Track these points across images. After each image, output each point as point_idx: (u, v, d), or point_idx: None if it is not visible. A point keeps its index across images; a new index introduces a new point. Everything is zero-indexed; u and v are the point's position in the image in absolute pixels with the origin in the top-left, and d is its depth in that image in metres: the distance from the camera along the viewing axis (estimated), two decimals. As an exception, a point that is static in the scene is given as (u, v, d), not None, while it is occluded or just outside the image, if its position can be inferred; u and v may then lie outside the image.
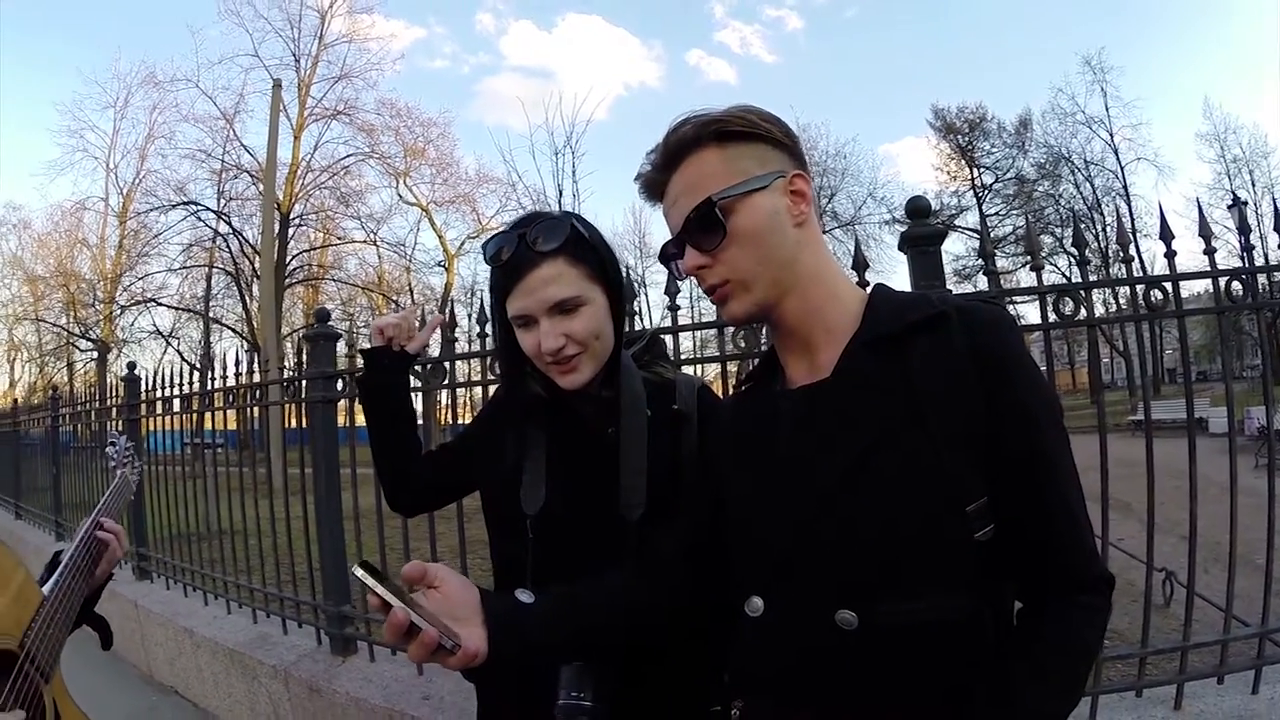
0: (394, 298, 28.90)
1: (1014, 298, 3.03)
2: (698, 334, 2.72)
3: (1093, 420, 2.30)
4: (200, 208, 28.95)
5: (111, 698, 4.35)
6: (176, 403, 4.40)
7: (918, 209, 2.29)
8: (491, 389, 2.66)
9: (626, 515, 1.26)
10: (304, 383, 3.40)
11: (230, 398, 3.94)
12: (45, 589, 1.19)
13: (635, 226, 34.95)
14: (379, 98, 30.68)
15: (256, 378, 3.75)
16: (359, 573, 0.89)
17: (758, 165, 0.99)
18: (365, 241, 31.04)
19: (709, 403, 1.38)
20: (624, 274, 1.36)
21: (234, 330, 29.29)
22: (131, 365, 5.24)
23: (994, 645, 0.90)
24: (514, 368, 1.36)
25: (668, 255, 1.09)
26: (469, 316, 2.80)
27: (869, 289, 1.06)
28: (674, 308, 2.45)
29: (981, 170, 35.03)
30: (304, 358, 3.42)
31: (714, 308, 1.11)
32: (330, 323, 3.39)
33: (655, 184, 1.06)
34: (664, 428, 1.32)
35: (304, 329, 26.21)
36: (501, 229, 1.30)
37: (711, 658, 1.12)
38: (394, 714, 2.77)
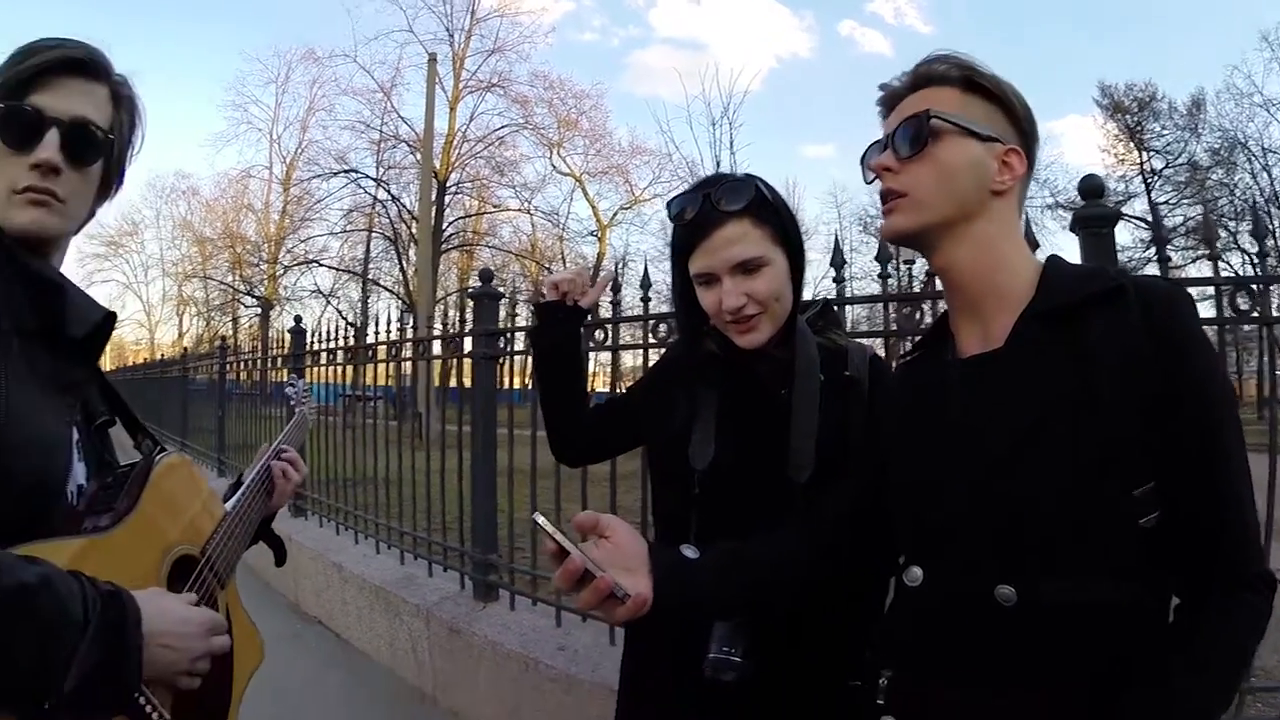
0: (547, 265, 29.62)
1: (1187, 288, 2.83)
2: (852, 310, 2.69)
3: (1261, 437, 2.09)
4: (360, 175, 30.46)
5: (260, 621, 4.72)
6: (340, 354, 4.72)
7: (1091, 189, 2.19)
8: (653, 354, 2.74)
9: (794, 476, 1.28)
10: (466, 339, 3.59)
11: (392, 351, 4.19)
12: (228, 505, 1.28)
13: (790, 202, 34.68)
14: (532, 70, 31.19)
15: (413, 338, 3.97)
16: (540, 519, 0.93)
17: (985, 120, 1.00)
18: (519, 210, 31.87)
19: (880, 370, 1.39)
20: (802, 237, 1.37)
21: (391, 291, 30.67)
22: (298, 319, 5.65)
23: (1151, 635, 0.87)
24: (692, 325, 1.40)
25: (866, 157, 1.09)
26: (611, 299, 2.87)
27: (1044, 260, 1.04)
28: (840, 280, 2.44)
29: (1151, 154, 32.03)
30: (464, 316, 3.59)
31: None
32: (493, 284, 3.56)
33: (895, 98, 1.07)
34: (835, 392, 1.33)
35: (458, 292, 27.25)
36: (685, 189, 1.34)
37: (862, 628, 1.13)
38: (529, 661, 2.90)
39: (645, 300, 2.69)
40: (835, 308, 1.64)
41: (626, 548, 0.99)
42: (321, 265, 31.99)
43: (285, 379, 5.24)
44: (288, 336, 5.57)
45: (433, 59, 23.25)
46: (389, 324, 4.05)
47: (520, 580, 3.42)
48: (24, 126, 0.95)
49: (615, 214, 32.11)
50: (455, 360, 3.76)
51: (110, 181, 1.08)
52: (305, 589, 4.88)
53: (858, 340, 1.49)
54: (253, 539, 1.42)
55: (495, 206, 31.89)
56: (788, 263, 1.30)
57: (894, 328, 2.48)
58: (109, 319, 1.03)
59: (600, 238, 31.94)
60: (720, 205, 1.24)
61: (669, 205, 1.33)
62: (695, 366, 1.40)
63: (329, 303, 31.25)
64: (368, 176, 30.49)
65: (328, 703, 3.61)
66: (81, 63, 0.99)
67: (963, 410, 0.98)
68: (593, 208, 31.96)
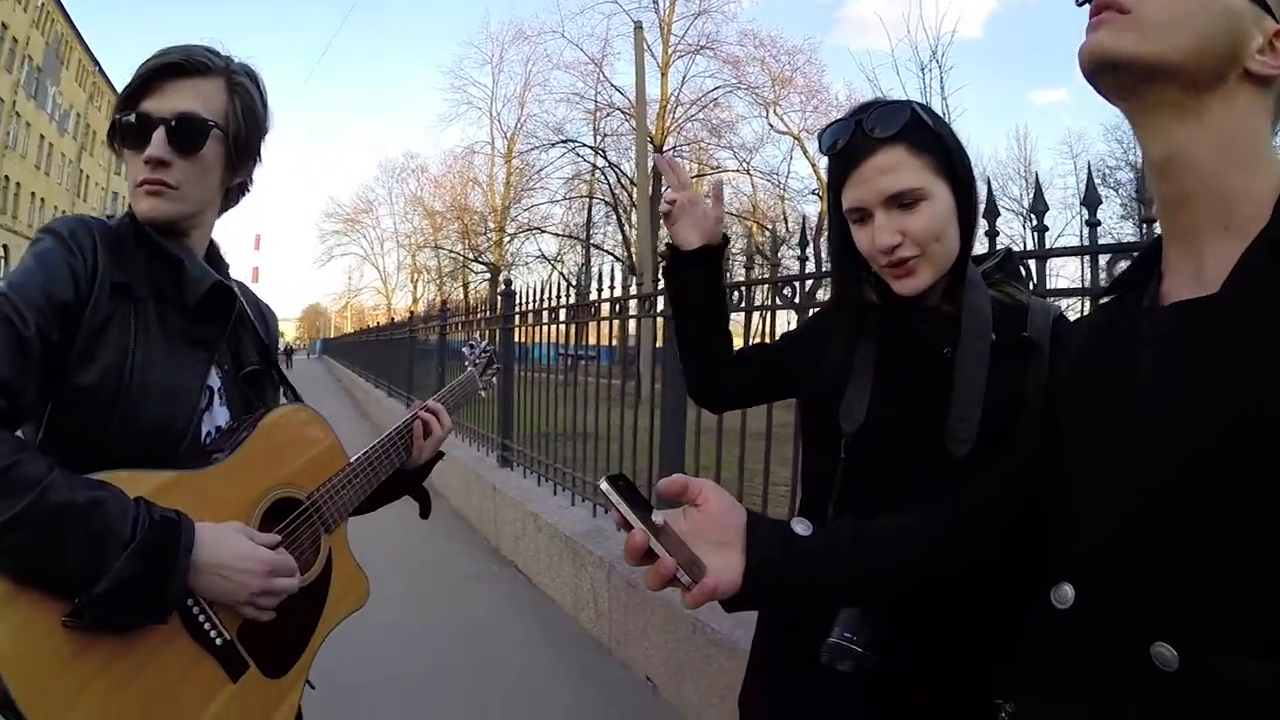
0: (768, 226, 29.63)
1: None
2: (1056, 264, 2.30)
3: None
4: (578, 144, 31.98)
5: (461, 560, 5.18)
6: (545, 315, 4.99)
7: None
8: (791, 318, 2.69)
9: (952, 449, 1.13)
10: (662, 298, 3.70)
11: (593, 311, 4.40)
12: (354, 457, 1.35)
13: (1020, 154, 32.08)
14: (740, 29, 31.32)
15: (620, 296, 4.13)
16: (604, 486, 0.85)
17: None
18: (738, 171, 32.04)
19: (1065, 333, 1.18)
20: (973, 171, 1.20)
21: (613, 255, 31.92)
22: (508, 281, 6.02)
23: None
24: (848, 271, 1.28)
25: None
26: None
27: None
28: (1041, 228, 2.14)
29: None
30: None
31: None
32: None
33: None
34: (1009, 355, 1.16)
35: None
36: (839, 118, 1.22)
37: (999, 642, 0.94)
38: (697, 623, 2.96)
39: (802, 260, 2.66)
40: (1027, 260, 1.45)
41: (720, 518, 0.87)
42: (545, 232, 33.94)
43: (480, 337, 5.62)
44: (499, 299, 5.95)
45: (639, 26, 23.66)
46: (610, 282, 4.20)
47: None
48: (136, 130, 1.12)
49: None
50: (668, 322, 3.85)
51: (236, 160, 1.22)
52: (505, 535, 5.25)
53: (1042, 299, 1.31)
54: (396, 492, 1.51)
55: (714, 169, 32.08)
56: (953, 199, 1.15)
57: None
58: (215, 286, 1.17)
59: (821, 196, 31.42)
60: (872, 132, 1.12)
61: (820, 136, 1.21)
62: (852, 317, 1.28)
63: (554, 267, 33.00)
64: (585, 145, 31.87)
65: (512, 640, 3.90)
66: (179, 65, 1.14)
67: (1155, 377, 0.72)
68: (813, 166, 31.41)
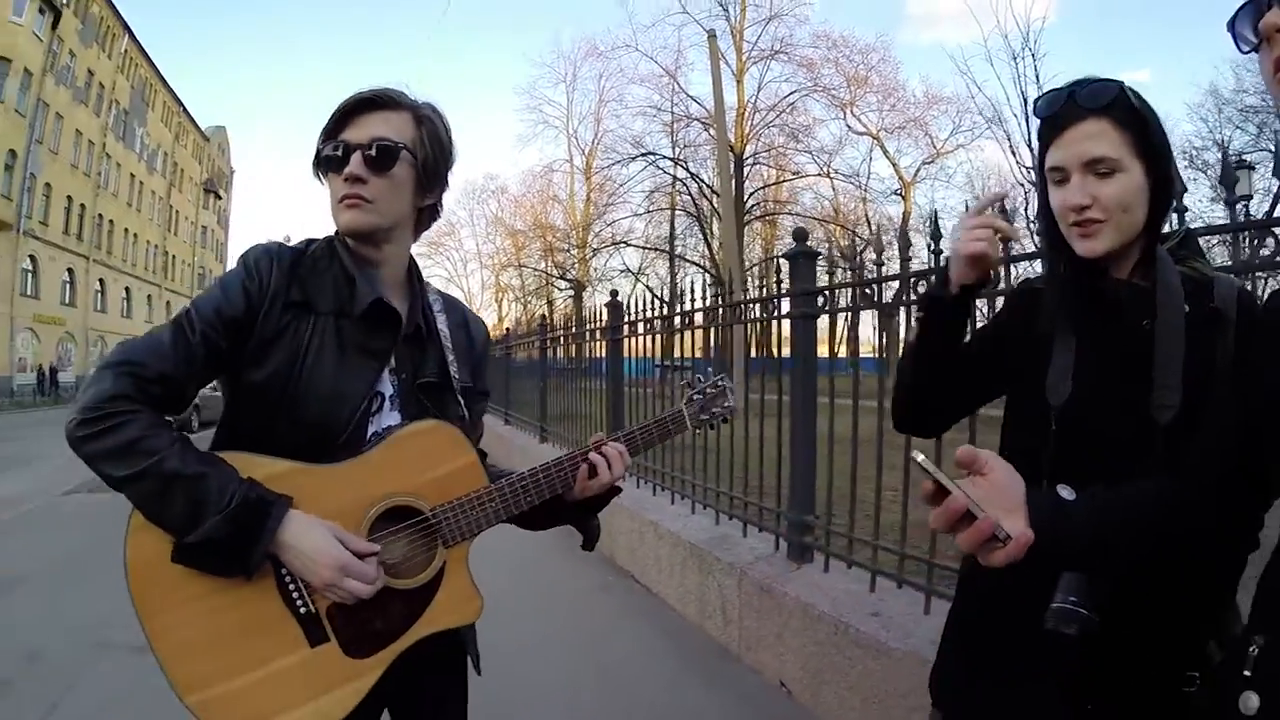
0: (851, 229, 29.45)
1: None
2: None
3: None
4: (657, 157, 32.45)
5: (574, 572, 5.26)
6: (658, 323, 5.08)
7: None
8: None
9: (1156, 417, 1.19)
10: (784, 300, 3.73)
11: (709, 317, 4.46)
12: (495, 484, 1.41)
13: None
14: (813, 31, 31.54)
15: (730, 301, 4.18)
16: (920, 457, 0.92)
17: None
18: (819, 175, 32.12)
19: (1248, 304, 1.26)
20: (1171, 156, 1.27)
21: (698, 265, 32.30)
22: (614, 293, 6.12)
23: None
24: (1054, 240, 1.33)
25: (1239, 20, 0.94)
26: (927, 248, 2.87)
27: None
28: (1231, 201, 2.16)
29: None
30: (779, 279, 3.73)
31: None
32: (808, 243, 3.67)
33: None
34: (1200, 326, 1.23)
35: (762, 261, 27.90)
36: (1055, 88, 1.31)
37: (1216, 594, 1.06)
38: (839, 625, 2.98)
39: (936, 252, 2.67)
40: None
41: (1005, 487, 0.97)
42: (629, 245, 34.39)
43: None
44: (605, 310, 6.07)
45: (712, 35, 23.89)
46: (702, 292, 4.34)
47: (835, 543, 3.49)
48: (338, 156, 1.32)
49: (918, 170, 31.51)
50: (762, 330, 3.91)
51: (425, 183, 1.40)
52: (619, 545, 5.34)
53: (1225, 274, 1.37)
54: (558, 518, 1.57)
55: (794, 174, 32.16)
56: (1146, 179, 1.23)
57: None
58: (375, 302, 1.33)
59: (904, 196, 31.16)
60: (1082, 101, 1.22)
61: (1036, 102, 1.32)
62: (1054, 291, 1.35)
63: (638, 280, 33.51)
64: (665, 157, 32.20)
65: (635, 650, 3.96)
66: (371, 100, 1.34)
67: None
68: (893, 165, 31.39)
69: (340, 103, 1.35)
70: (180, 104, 55.19)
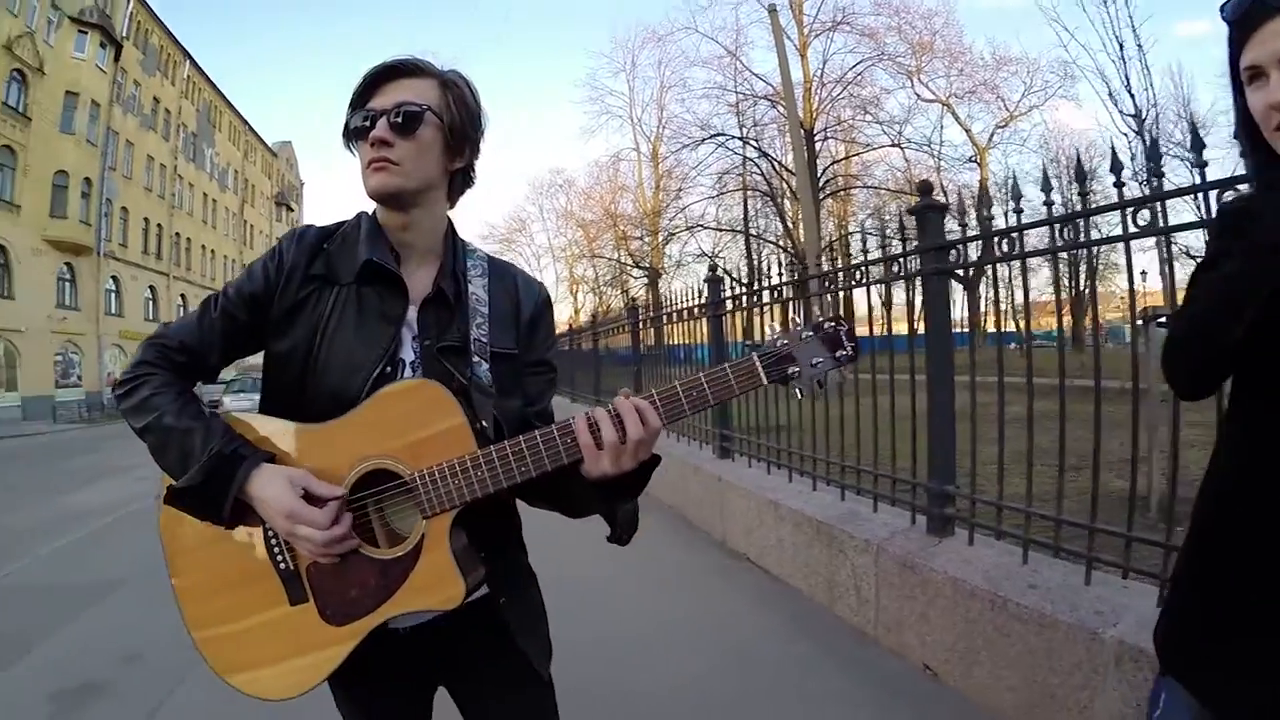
0: (928, 199, 29.08)
1: None
2: None
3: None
4: (726, 137, 32.26)
5: (687, 557, 5.21)
6: (766, 294, 4.95)
7: None
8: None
9: None
10: (911, 259, 3.58)
11: (824, 283, 4.32)
12: (491, 448, 1.26)
13: (1176, 92, 29.89)
14: (873, 0, 30.82)
15: (852, 264, 4.02)
16: None
17: None
18: (890, 145, 31.67)
19: None
20: None
21: (775, 244, 32.07)
22: (713, 268, 6.01)
23: None
24: (1255, 144, 1.27)
25: None
26: (1004, 215, 2.76)
27: None
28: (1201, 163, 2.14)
29: None
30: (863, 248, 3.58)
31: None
32: (934, 195, 3.51)
33: None
34: None
35: (836, 239, 27.72)
36: None
37: None
38: (996, 599, 2.84)
39: (1018, 212, 2.65)
40: None
41: None
42: (703, 228, 34.38)
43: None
44: (704, 287, 5.94)
45: (773, 10, 23.79)
46: (779, 270, 4.18)
47: (983, 512, 3.34)
48: (365, 125, 1.35)
49: (991, 135, 30.88)
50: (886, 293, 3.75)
51: (454, 145, 1.40)
52: (733, 527, 5.24)
53: None
54: (594, 503, 1.35)
55: (865, 146, 31.80)
56: None
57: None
58: (365, 264, 1.37)
59: (980, 162, 30.44)
60: (1271, 0, 1.17)
61: (1222, 7, 1.26)
62: (1269, 202, 1.26)
63: (714, 263, 33.46)
64: (733, 137, 32.05)
65: (762, 634, 3.87)
66: (396, 68, 1.37)
67: None
68: (966, 131, 30.66)
69: (366, 72, 1.39)
70: (245, 123, 58.53)
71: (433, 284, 1.42)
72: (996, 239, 3.11)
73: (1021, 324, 4.37)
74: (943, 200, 3.46)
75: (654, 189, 35.62)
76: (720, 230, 34.34)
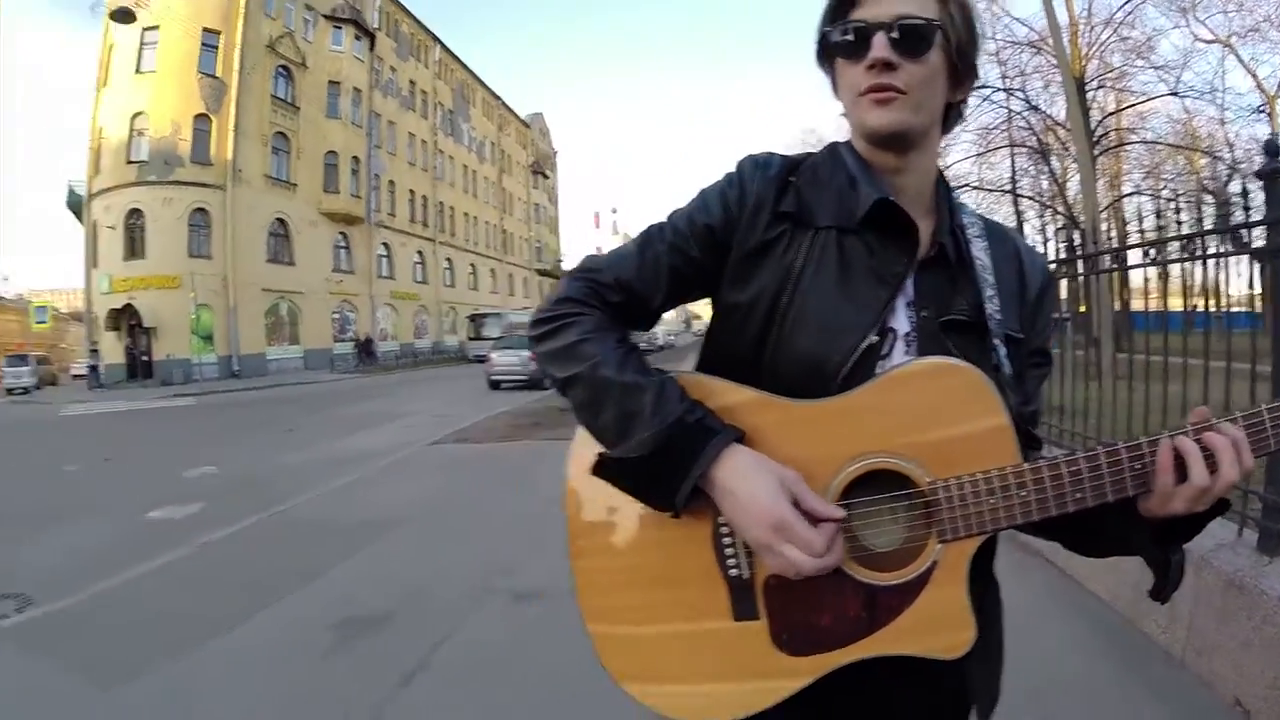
0: (1215, 155, 25.64)
1: None
2: None
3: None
4: (991, 89, 29.97)
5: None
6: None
7: None
8: None
9: None
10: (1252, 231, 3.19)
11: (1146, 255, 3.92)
12: (1029, 464, 1.03)
13: None
14: None
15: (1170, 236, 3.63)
16: None
17: None
18: (1168, 94, 28.18)
19: None
20: None
21: (1046, 205, 29.76)
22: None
23: None
24: None
25: None
26: None
27: None
28: None
29: None
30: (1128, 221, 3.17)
31: None
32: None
33: None
34: None
35: (1117, 198, 25.27)
36: None
37: None
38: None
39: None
40: None
41: None
42: (969, 187, 32.34)
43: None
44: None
45: None
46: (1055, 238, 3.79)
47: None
48: (854, 39, 1.09)
49: None
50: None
51: (962, 73, 1.15)
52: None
53: None
54: (1119, 542, 1.11)
55: (1137, 96, 28.45)
56: None
57: None
58: (879, 203, 1.11)
59: (1270, 112, 26.31)
60: None
61: None
62: None
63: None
64: (997, 89, 29.73)
65: (1061, 644, 3.59)
66: None
67: None
68: (1252, 76, 26.50)
69: None
70: (498, 97, 65.18)
71: (930, 240, 1.16)
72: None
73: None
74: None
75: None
76: (985, 190, 32.12)
